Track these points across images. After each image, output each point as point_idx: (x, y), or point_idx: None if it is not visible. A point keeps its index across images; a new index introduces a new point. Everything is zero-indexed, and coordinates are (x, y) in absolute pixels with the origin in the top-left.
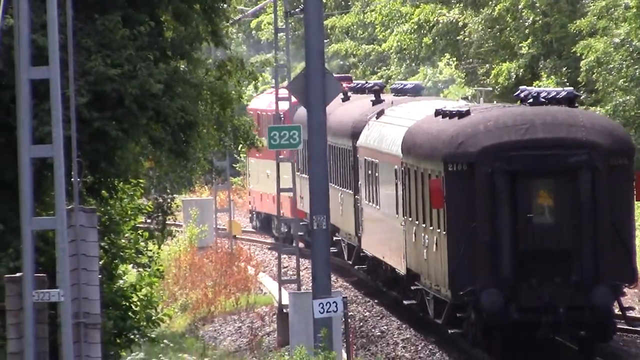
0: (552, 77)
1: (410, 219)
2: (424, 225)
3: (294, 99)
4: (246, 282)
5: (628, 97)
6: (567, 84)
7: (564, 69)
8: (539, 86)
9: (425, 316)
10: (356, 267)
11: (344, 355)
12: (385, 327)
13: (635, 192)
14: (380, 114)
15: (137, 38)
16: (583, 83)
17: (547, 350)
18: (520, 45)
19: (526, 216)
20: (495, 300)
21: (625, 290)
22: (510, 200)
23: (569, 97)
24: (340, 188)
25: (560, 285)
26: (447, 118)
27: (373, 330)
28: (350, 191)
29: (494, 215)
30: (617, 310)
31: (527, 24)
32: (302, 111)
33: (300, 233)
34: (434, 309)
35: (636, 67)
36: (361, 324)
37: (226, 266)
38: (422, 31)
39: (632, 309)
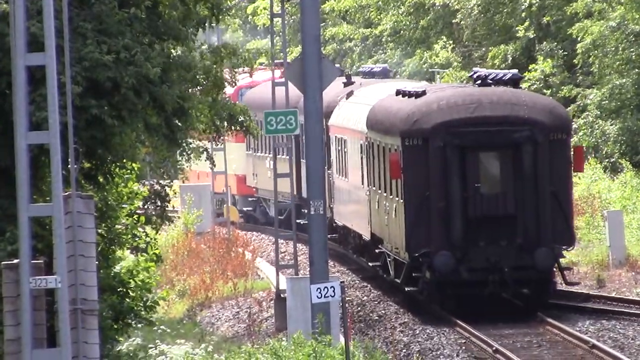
0: (549, 59)
1: (373, 188)
2: (385, 194)
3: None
4: (244, 267)
5: (624, 80)
6: (564, 66)
7: (560, 51)
8: (536, 69)
9: (387, 276)
10: (328, 236)
11: (342, 339)
12: (382, 311)
13: (572, 163)
14: (349, 94)
15: (133, 22)
16: (579, 66)
17: (494, 306)
18: (516, 28)
19: (474, 185)
20: (447, 261)
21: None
22: (460, 172)
23: (514, 78)
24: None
25: (506, 247)
26: (406, 97)
27: (371, 314)
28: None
29: (446, 185)
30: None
31: (523, 6)
32: (252, 94)
33: (248, 208)
34: (395, 270)
35: (632, 49)
36: (359, 308)
37: (224, 252)
38: (418, 13)
39: (570, 269)
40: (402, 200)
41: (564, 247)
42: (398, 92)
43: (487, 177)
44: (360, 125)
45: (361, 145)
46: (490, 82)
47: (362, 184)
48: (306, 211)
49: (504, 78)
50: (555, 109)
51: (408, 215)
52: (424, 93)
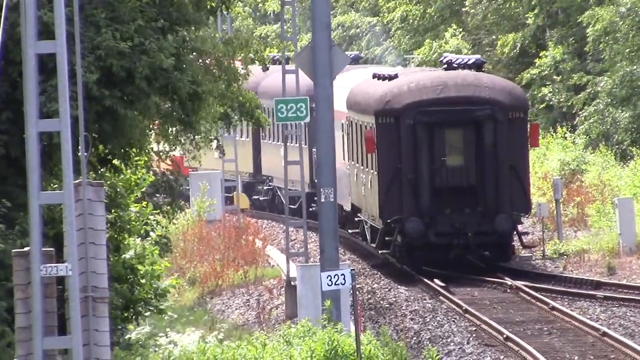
0: (559, 47)
1: (352, 162)
2: (362, 167)
3: None
4: (254, 255)
5: (635, 67)
6: (574, 53)
7: (571, 39)
8: (546, 56)
9: (364, 242)
10: (310, 209)
11: (352, 327)
12: (393, 299)
13: (529, 139)
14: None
15: (146, 9)
16: (590, 53)
17: (460, 267)
18: (525, 15)
19: (441, 159)
20: (416, 226)
21: None
22: (428, 146)
23: (477, 63)
24: (297, 145)
25: (469, 214)
26: (380, 80)
27: (381, 302)
28: (306, 145)
29: (415, 158)
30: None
31: None
32: None
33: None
34: (371, 236)
35: None
36: (369, 296)
37: (234, 239)
38: (426, 1)
39: (527, 234)
40: (376, 173)
41: (521, 214)
42: (374, 76)
43: (452, 151)
44: (342, 106)
45: (342, 124)
46: (456, 66)
47: (344, 159)
48: (264, 187)
49: (468, 62)
50: (514, 90)
51: (382, 185)
52: (396, 76)
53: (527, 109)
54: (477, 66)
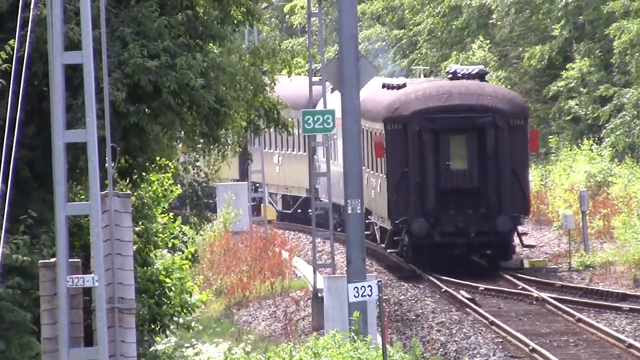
0: (586, 59)
1: (364, 168)
2: (372, 171)
3: None
4: (281, 266)
5: None
6: (600, 65)
7: (597, 51)
8: (573, 68)
9: (374, 243)
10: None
11: (379, 338)
12: (420, 310)
13: (529, 145)
14: None
15: (174, 26)
16: (616, 65)
17: (463, 265)
18: (552, 27)
19: (446, 163)
20: (422, 227)
21: None
22: (434, 151)
23: (480, 73)
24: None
25: (472, 215)
26: (389, 89)
27: (408, 314)
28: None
29: (422, 162)
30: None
31: (560, 5)
32: None
33: None
34: (380, 237)
35: None
36: (396, 307)
37: (261, 250)
38: (452, 14)
39: (526, 234)
40: (385, 176)
41: (521, 215)
42: (384, 85)
43: (456, 156)
44: None
45: None
46: (460, 76)
47: None
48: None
49: (472, 73)
50: (515, 98)
51: (390, 188)
52: (404, 85)
53: (527, 117)
54: (480, 76)
